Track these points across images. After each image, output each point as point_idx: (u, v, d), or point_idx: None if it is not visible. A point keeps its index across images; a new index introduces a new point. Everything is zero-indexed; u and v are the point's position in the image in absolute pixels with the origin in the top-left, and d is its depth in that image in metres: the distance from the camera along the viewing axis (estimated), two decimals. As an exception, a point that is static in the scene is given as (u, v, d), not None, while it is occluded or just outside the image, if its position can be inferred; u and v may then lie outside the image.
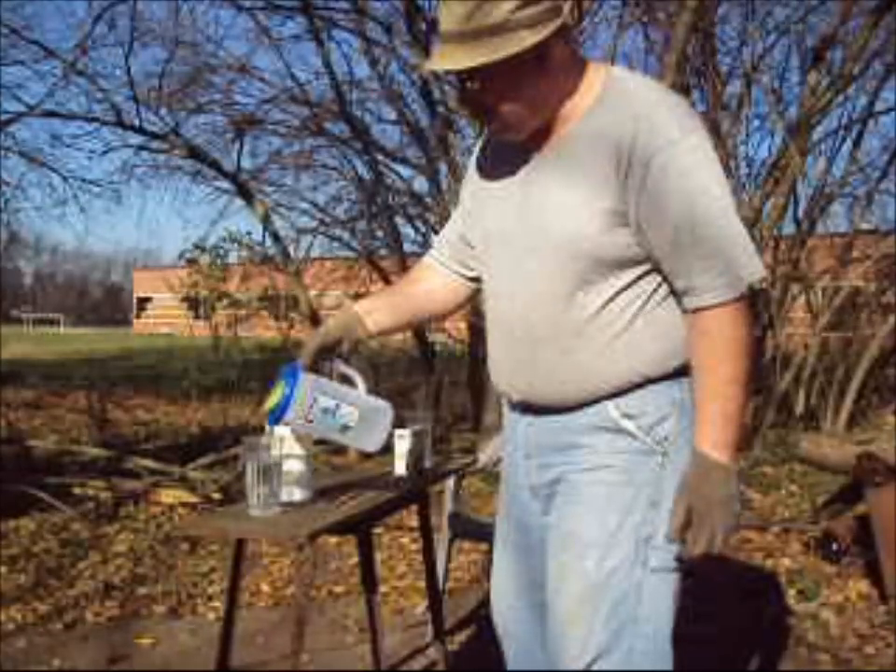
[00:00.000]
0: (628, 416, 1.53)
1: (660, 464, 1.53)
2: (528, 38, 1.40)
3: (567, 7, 1.44)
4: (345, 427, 1.70)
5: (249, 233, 9.74)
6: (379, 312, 1.79)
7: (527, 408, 1.64)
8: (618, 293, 1.50)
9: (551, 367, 1.55)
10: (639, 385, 1.53)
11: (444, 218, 7.77)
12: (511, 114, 1.49)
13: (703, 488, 1.47)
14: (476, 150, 1.74)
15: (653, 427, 1.53)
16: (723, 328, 1.46)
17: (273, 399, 1.67)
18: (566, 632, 1.57)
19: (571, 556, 1.56)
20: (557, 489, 1.60)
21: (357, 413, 1.71)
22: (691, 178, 1.44)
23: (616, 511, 1.53)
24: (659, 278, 1.51)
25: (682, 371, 1.54)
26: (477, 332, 7.02)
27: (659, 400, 1.53)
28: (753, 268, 1.47)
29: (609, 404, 1.54)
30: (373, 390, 1.78)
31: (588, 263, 1.48)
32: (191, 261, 9.84)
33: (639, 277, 1.50)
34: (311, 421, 1.67)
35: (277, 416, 1.66)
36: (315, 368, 1.70)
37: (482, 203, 1.66)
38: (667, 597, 1.55)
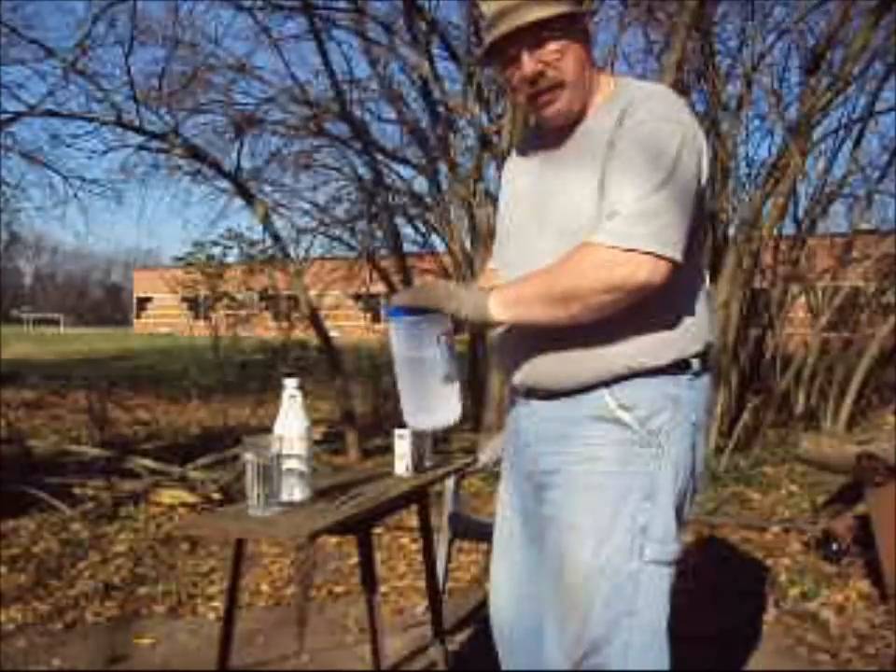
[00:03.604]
0: (624, 407, 1.56)
1: (654, 455, 1.56)
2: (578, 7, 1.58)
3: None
4: (449, 378, 1.60)
5: (250, 228, 9.73)
6: None
7: (528, 394, 1.68)
8: None
9: (548, 350, 1.60)
10: (636, 375, 1.56)
11: (444, 219, 7.80)
12: (570, 76, 1.58)
13: (451, 289, 1.56)
14: (507, 163, 1.87)
15: (648, 419, 1.56)
16: (588, 257, 1.48)
17: None
18: (562, 624, 1.59)
19: (567, 546, 1.59)
20: (553, 480, 1.63)
21: (458, 382, 1.62)
22: (643, 153, 1.50)
23: (611, 500, 1.56)
24: None
25: (678, 366, 1.57)
26: (476, 333, 7.02)
27: (653, 393, 1.56)
28: (647, 239, 1.46)
29: (606, 394, 1.57)
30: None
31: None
32: (188, 263, 9.83)
33: None
34: (439, 341, 1.57)
35: (420, 311, 1.57)
36: None
37: (506, 205, 1.79)
38: (663, 590, 1.57)
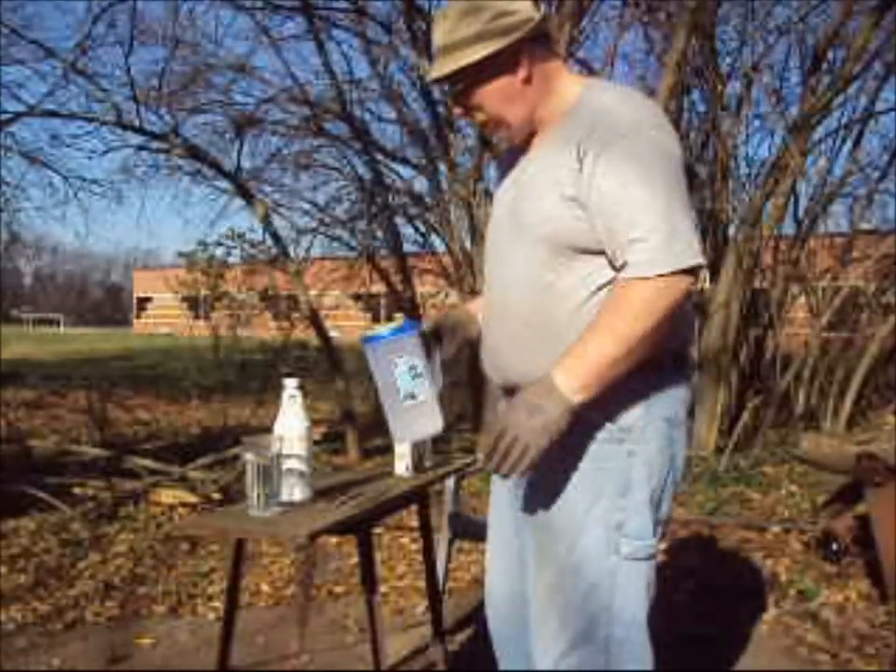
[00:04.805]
0: (595, 405, 1.55)
1: (628, 452, 1.57)
2: (482, 51, 1.56)
3: (542, 19, 1.59)
4: (411, 396, 1.74)
5: (252, 229, 9.70)
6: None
7: (509, 393, 1.70)
8: (583, 281, 1.56)
9: (523, 350, 1.62)
10: None
11: (444, 218, 7.80)
12: (497, 114, 1.63)
13: (530, 398, 1.47)
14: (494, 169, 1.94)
15: (619, 417, 1.57)
16: (640, 296, 1.46)
17: (379, 328, 1.76)
18: (542, 622, 1.60)
19: (544, 543, 1.61)
20: (529, 479, 1.64)
21: (427, 398, 1.74)
22: (636, 169, 1.49)
23: (584, 497, 1.57)
24: None
25: (652, 366, 1.56)
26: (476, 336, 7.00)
27: (625, 391, 1.56)
28: (684, 255, 1.47)
29: None
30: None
31: (554, 247, 1.56)
32: (190, 260, 9.84)
33: (605, 267, 1.55)
34: (395, 365, 1.72)
35: (376, 339, 1.73)
36: (425, 340, 1.78)
37: (492, 211, 1.81)
38: (641, 585, 1.58)
